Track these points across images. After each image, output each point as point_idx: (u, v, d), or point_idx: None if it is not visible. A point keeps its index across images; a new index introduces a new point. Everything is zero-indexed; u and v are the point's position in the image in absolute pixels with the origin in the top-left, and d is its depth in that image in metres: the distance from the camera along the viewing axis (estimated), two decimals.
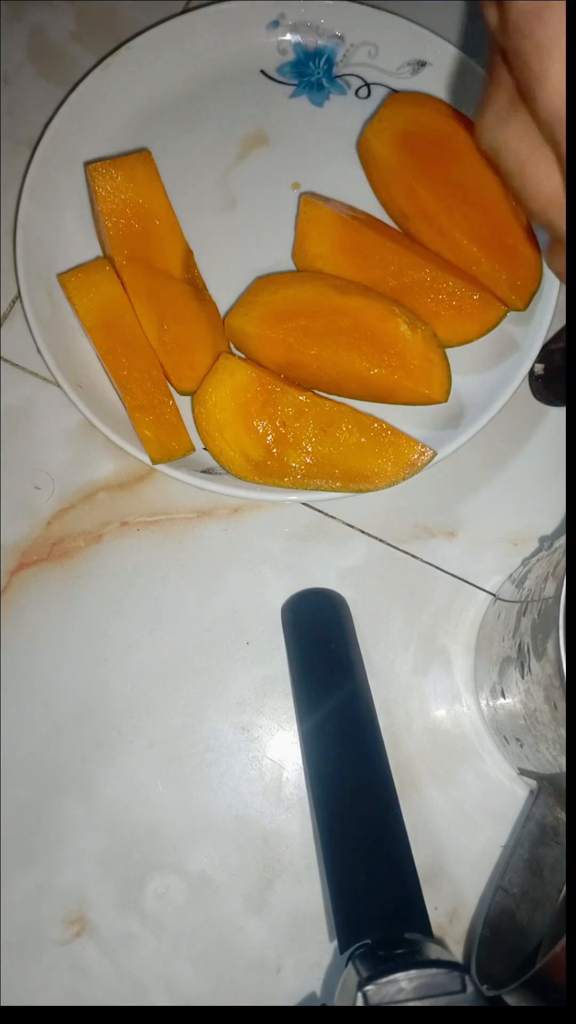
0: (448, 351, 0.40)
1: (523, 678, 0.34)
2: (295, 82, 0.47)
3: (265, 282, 0.42)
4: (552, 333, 0.42)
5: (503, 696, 0.37)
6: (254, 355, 0.42)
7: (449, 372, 0.40)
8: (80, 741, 0.41)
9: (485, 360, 0.43)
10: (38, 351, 0.41)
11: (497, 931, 0.36)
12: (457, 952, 0.39)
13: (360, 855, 0.36)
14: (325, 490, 0.40)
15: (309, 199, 0.43)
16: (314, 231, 0.42)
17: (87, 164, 0.42)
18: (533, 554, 0.43)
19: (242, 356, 0.43)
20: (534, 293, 0.41)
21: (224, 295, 0.44)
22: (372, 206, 0.45)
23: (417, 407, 0.42)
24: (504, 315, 0.41)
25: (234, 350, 0.43)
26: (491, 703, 0.40)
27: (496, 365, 0.42)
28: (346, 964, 0.33)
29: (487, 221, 0.41)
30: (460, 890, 0.39)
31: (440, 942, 0.38)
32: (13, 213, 0.44)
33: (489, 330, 0.41)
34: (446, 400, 0.40)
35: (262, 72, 0.47)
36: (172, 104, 0.47)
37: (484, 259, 0.41)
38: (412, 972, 0.31)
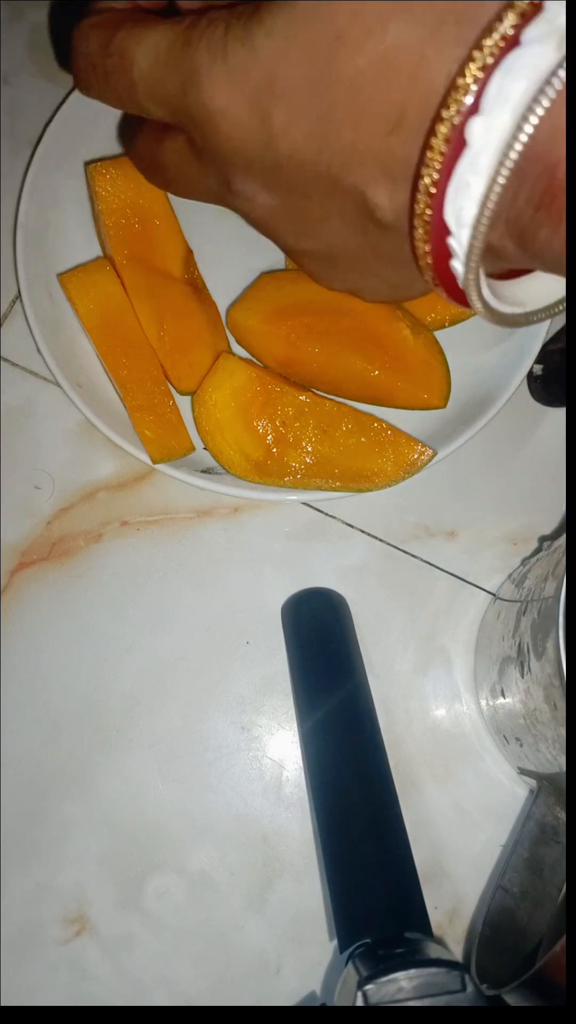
0: (447, 352, 0.40)
1: (523, 677, 0.34)
2: None
3: (269, 278, 0.42)
4: (551, 333, 0.42)
5: (503, 696, 0.37)
6: (255, 350, 0.42)
7: (449, 379, 0.40)
8: (80, 741, 0.41)
9: (485, 360, 0.43)
10: (38, 351, 0.41)
11: (497, 930, 0.36)
12: (457, 951, 0.39)
13: (360, 855, 0.36)
14: (325, 490, 0.40)
15: None
16: None
17: (87, 164, 0.42)
18: (533, 554, 0.43)
19: (243, 351, 0.43)
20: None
21: (224, 295, 0.44)
22: None
23: None
24: None
25: (234, 345, 0.43)
26: (491, 702, 0.40)
27: (495, 365, 0.42)
28: (346, 963, 0.33)
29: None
30: (460, 889, 0.39)
31: (440, 941, 0.38)
32: (13, 213, 0.44)
33: None
34: (445, 406, 0.40)
35: None
36: None
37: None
38: (412, 971, 0.31)
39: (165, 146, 0.29)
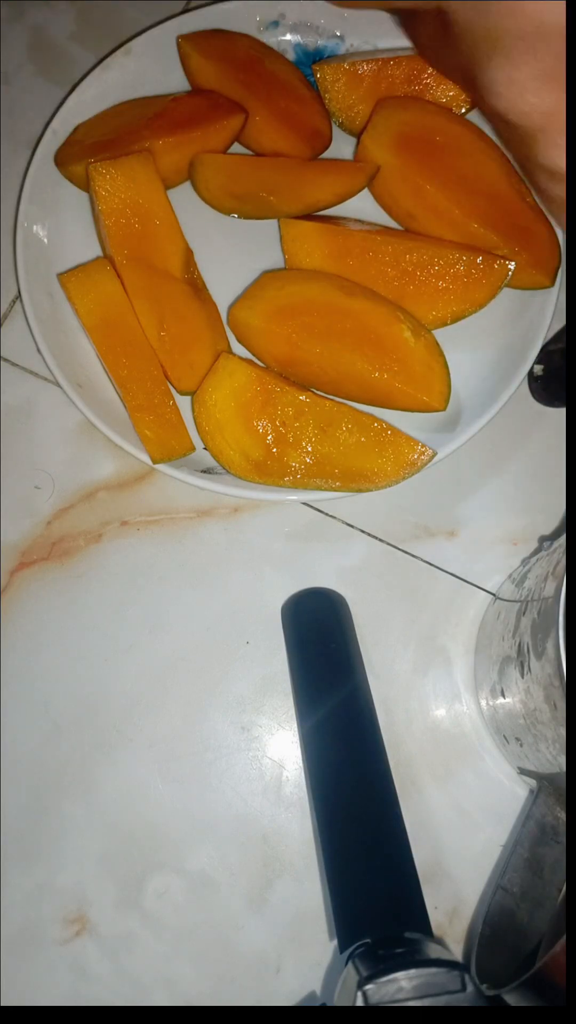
0: (447, 351, 0.40)
1: (523, 677, 0.34)
2: None
3: (271, 277, 0.42)
4: (552, 334, 0.42)
5: (503, 695, 0.37)
6: (256, 349, 0.42)
7: (449, 381, 0.40)
8: (80, 741, 0.41)
9: (484, 360, 0.43)
10: (38, 351, 0.41)
11: (497, 930, 0.36)
12: (457, 951, 0.39)
13: (360, 855, 0.36)
14: (325, 490, 0.40)
15: (286, 220, 0.43)
16: (302, 249, 0.42)
17: (87, 164, 0.42)
18: (533, 554, 0.43)
19: (243, 351, 0.43)
20: (558, 268, 0.42)
21: (224, 295, 0.44)
22: (373, 213, 0.45)
23: None
24: (510, 271, 0.40)
25: (234, 345, 0.43)
26: (491, 702, 0.40)
27: (495, 365, 0.42)
28: (346, 963, 0.33)
29: (497, 207, 0.42)
30: (460, 889, 0.39)
31: (440, 941, 0.38)
32: (13, 213, 0.44)
33: (499, 290, 0.41)
34: (444, 408, 0.40)
35: None
36: None
37: (503, 243, 0.41)
38: (412, 971, 0.31)
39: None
